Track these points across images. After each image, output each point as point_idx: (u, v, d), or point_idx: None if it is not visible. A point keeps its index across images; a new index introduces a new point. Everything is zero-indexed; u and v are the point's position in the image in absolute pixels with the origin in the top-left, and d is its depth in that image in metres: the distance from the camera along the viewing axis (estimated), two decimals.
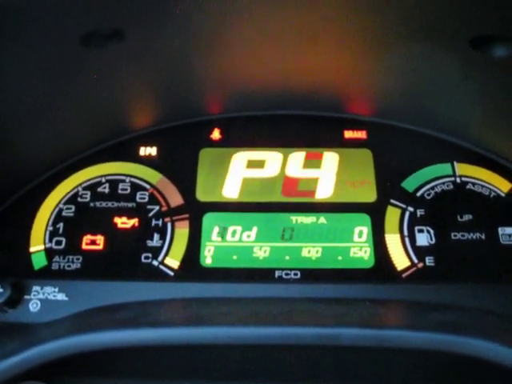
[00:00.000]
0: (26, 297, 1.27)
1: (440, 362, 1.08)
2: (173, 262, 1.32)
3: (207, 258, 1.33)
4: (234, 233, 1.36)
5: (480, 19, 1.07)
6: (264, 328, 0.98)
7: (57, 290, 1.28)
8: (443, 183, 1.42)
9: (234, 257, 1.33)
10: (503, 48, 1.13)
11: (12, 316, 1.25)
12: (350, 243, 1.34)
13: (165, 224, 1.37)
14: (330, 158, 1.46)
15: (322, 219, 1.37)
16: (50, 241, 1.35)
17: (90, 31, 1.09)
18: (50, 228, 1.37)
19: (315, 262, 1.32)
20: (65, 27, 1.06)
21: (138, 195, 1.41)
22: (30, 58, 1.10)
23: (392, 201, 1.39)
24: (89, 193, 1.42)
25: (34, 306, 1.26)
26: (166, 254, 1.33)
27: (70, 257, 1.33)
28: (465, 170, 1.44)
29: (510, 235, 1.34)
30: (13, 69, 1.11)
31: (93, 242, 1.35)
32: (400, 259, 1.32)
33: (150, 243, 1.35)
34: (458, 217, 1.37)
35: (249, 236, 1.35)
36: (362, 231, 1.35)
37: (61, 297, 1.27)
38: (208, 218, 1.38)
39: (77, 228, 1.37)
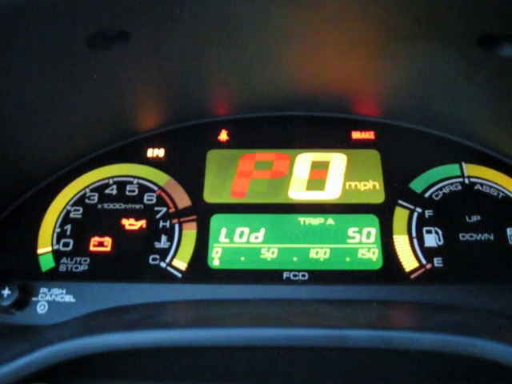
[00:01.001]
0: (34, 299, 1.27)
1: (448, 364, 1.08)
2: (180, 263, 1.32)
3: (215, 259, 1.33)
4: (241, 234, 1.35)
5: (488, 18, 1.07)
6: (271, 330, 0.98)
7: (64, 291, 1.28)
8: (451, 184, 1.41)
9: (242, 258, 1.33)
10: (509, 48, 1.12)
11: (19, 318, 1.25)
12: (358, 244, 1.33)
13: (172, 225, 1.37)
14: (338, 159, 1.45)
15: (330, 220, 1.37)
16: (58, 242, 1.35)
17: (95, 33, 1.09)
18: (58, 230, 1.37)
19: (323, 264, 1.31)
20: (70, 29, 1.06)
21: (146, 197, 1.41)
22: (36, 60, 1.10)
23: (400, 202, 1.39)
24: (96, 194, 1.42)
25: (41, 307, 1.26)
26: (174, 256, 1.33)
27: (78, 258, 1.33)
28: (473, 170, 1.43)
29: None
30: (20, 71, 1.11)
31: (100, 244, 1.35)
32: (408, 260, 1.31)
33: (157, 245, 1.35)
34: (467, 218, 1.36)
35: (256, 237, 1.35)
36: (370, 232, 1.34)
37: (68, 299, 1.27)
38: (216, 220, 1.38)
39: (84, 230, 1.37)
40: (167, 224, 1.37)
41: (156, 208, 1.40)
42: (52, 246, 1.35)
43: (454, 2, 1.04)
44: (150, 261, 1.33)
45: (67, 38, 1.08)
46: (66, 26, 1.04)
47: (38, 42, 1.05)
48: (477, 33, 1.10)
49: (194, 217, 1.38)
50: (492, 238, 1.33)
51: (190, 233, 1.36)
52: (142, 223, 1.37)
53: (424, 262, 1.31)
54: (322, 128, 1.51)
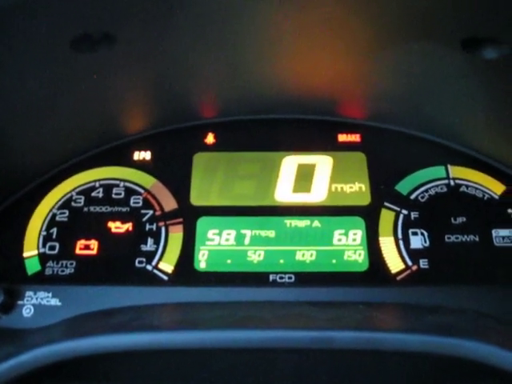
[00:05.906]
0: (19, 302, 1.26)
1: (435, 366, 1.08)
2: (167, 266, 1.32)
3: (201, 262, 1.32)
4: (228, 237, 1.35)
5: (470, 21, 1.07)
6: (258, 332, 0.98)
7: (50, 295, 1.27)
8: (437, 186, 1.42)
9: (229, 261, 1.33)
10: (492, 50, 1.13)
11: (5, 321, 1.24)
12: (344, 246, 1.33)
13: (159, 228, 1.37)
14: (324, 162, 1.46)
15: (316, 222, 1.37)
16: (44, 246, 1.35)
17: (79, 35, 1.09)
18: (44, 233, 1.37)
19: (309, 266, 1.32)
20: (54, 31, 1.05)
21: (132, 200, 1.41)
22: (19, 63, 1.10)
23: (386, 204, 1.39)
24: (82, 197, 1.41)
25: (27, 311, 1.25)
26: (160, 259, 1.33)
27: (64, 262, 1.33)
28: (458, 172, 1.44)
29: (503, 237, 1.34)
30: (3, 74, 1.10)
31: (86, 247, 1.34)
32: (394, 262, 1.32)
33: (143, 248, 1.34)
34: (452, 219, 1.37)
35: (243, 240, 1.35)
36: (356, 234, 1.35)
37: (54, 302, 1.26)
38: (202, 222, 1.38)
39: (70, 233, 1.37)
40: (153, 227, 1.37)
41: (142, 211, 1.39)
42: (38, 249, 1.34)
43: (437, 4, 1.05)
44: (137, 264, 1.32)
45: (50, 40, 1.07)
46: (48, 28, 1.04)
47: (21, 44, 1.05)
48: (460, 36, 1.11)
49: (181, 219, 1.38)
50: (477, 239, 1.34)
51: (176, 235, 1.36)
52: (129, 226, 1.37)
53: (410, 263, 1.31)
54: (309, 131, 1.51)
